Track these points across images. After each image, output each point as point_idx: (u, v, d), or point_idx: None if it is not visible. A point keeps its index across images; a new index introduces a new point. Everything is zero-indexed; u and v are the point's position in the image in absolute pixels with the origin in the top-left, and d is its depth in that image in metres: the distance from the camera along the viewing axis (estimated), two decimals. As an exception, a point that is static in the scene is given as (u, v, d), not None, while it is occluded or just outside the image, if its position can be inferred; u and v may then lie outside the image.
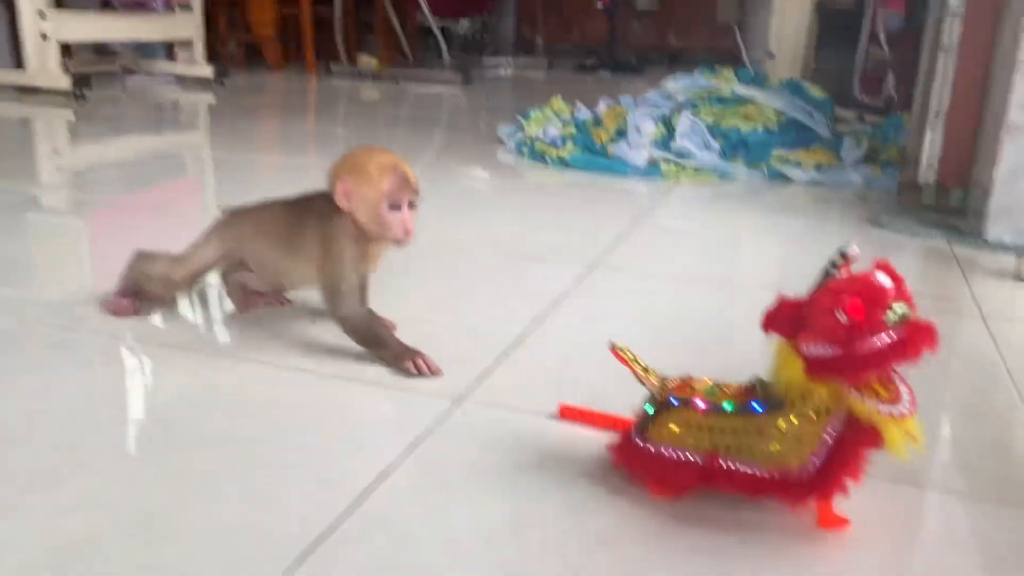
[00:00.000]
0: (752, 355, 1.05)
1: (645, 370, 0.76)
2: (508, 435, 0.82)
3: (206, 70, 3.54)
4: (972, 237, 1.58)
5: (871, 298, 0.63)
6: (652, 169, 2.08)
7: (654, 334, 1.10)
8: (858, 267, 0.67)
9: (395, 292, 1.21)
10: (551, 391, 0.92)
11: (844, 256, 0.67)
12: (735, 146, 2.13)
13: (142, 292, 1.07)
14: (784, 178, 2.08)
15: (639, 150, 2.11)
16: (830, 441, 0.66)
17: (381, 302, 1.07)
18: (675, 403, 0.72)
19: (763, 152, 2.11)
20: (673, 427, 0.71)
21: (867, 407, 0.64)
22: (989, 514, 0.73)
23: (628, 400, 0.91)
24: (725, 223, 1.72)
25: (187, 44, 3.61)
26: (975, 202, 1.67)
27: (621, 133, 2.22)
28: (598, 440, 0.82)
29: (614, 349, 0.77)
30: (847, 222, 1.74)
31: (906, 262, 1.49)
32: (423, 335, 1.05)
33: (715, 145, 2.12)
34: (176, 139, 2.52)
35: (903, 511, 0.73)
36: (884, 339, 0.63)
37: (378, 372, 0.95)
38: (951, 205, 1.77)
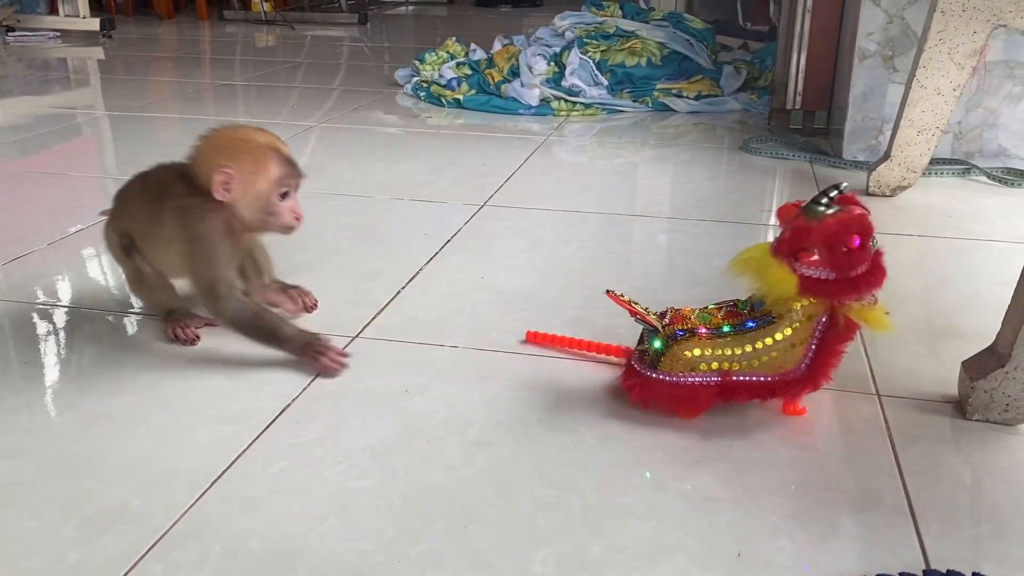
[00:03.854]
0: (634, 278, 1.16)
1: (645, 310, 0.83)
2: (397, 364, 0.92)
3: (91, 23, 3.43)
4: (832, 157, 1.72)
5: (866, 234, 0.75)
6: (544, 107, 2.16)
7: (539, 264, 1.20)
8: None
9: (293, 238, 1.27)
10: (437, 323, 1.01)
11: (839, 191, 0.77)
12: (621, 81, 2.22)
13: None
14: (668, 109, 2.19)
15: (531, 89, 2.18)
16: (815, 342, 0.78)
17: (278, 251, 1.13)
18: (681, 334, 0.80)
19: (647, 85, 2.21)
20: (687, 355, 0.78)
21: (852, 307, 0.77)
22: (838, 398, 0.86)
23: (507, 327, 1.01)
24: (612, 156, 1.82)
25: (69, -4, 3.48)
26: (835, 124, 1.81)
27: (514, 72, 2.29)
28: (475, 361, 0.92)
29: (611, 294, 0.83)
30: (724, 148, 1.86)
31: (771, 184, 1.62)
32: (321, 279, 1.13)
33: (603, 81, 2.21)
34: (66, 98, 2.47)
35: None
36: (865, 268, 0.76)
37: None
38: (816, 127, 1.91)
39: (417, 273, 1.16)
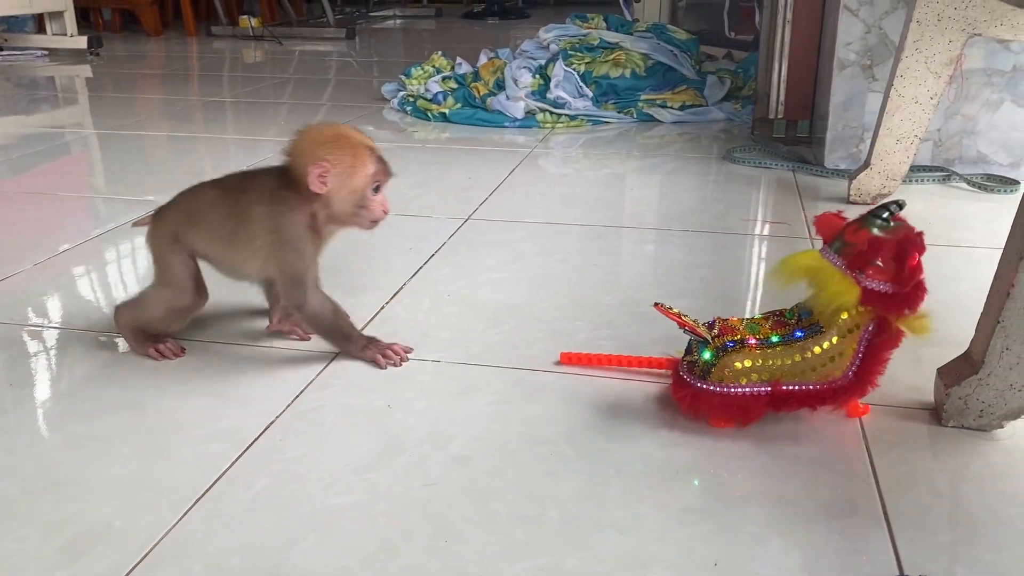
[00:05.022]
0: (616, 289, 1.17)
1: (695, 322, 0.84)
2: (380, 380, 0.92)
3: (79, 41, 3.44)
4: (815, 166, 1.74)
5: (922, 251, 0.79)
6: (529, 120, 2.17)
7: (523, 277, 1.21)
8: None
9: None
10: (421, 338, 1.02)
11: (899, 207, 0.80)
12: (606, 92, 2.24)
13: (158, 332, 0.99)
14: (653, 120, 2.20)
15: (517, 102, 2.20)
16: (862, 350, 0.81)
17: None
18: (731, 345, 0.81)
19: (632, 96, 2.23)
20: (737, 366, 0.80)
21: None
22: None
23: (490, 341, 1.02)
24: (597, 168, 1.84)
25: (57, 14, 3.49)
26: (817, 133, 1.83)
27: (500, 86, 2.30)
28: (458, 375, 0.93)
29: (659, 307, 0.85)
30: (708, 158, 1.87)
31: (755, 194, 1.64)
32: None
33: (588, 92, 2.23)
34: (54, 117, 2.48)
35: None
36: (917, 283, 0.79)
37: (262, 335, 1.03)
38: (799, 136, 1.93)
39: (401, 288, 1.17)
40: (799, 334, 0.81)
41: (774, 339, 0.81)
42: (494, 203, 1.56)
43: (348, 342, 0.96)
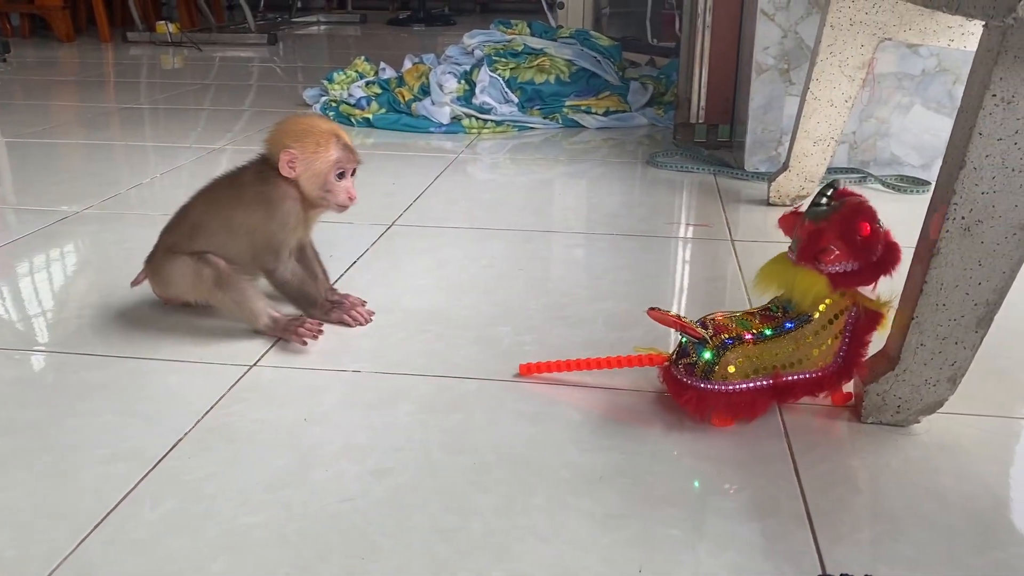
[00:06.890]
0: (541, 294, 1.16)
1: (692, 323, 0.83)
2: (297, 392, 0.89)
3: (-16, 46, 3.29)
4: (735, 169, 1.76)
5: (872, 218, 0.79)
6: (455, 125, 2.15)
7: (445, 284, 1.19)
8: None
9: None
10: (340, 347, 0.99)
11: (834, 189, 0.81)
12: (531, 98, 2.24)
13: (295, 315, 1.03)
14: (578, 125, 2.21)
15: (442, 107, 2.18)
16: (848, 335, 0.82)
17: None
18: (730, 343, 0.81)
19: (557, 102, 2.23)
20: (739, 362, 0.81)
21: (876, 299, 0.82)
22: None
23: (411, 349, 0.99)
24: (523, 173, 1.82)
25: (-41, 19, 3.33)
26: (738, 136, 1.85)
27: (425, 91, 2.28)
28: (378, 386, 0.90)
29: (655, 313, 0.83)
30: (632, 163, 1.88)
31: (677, 197, 1.65)
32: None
33: (513, 98, 2.22)
34: (-45, 125, 2.36)
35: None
36: (881, 249, 0.80)
37: (172, 349, 0.98)
38: (719, 140, 1.96)
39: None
40: (789, 325, 0.82)
41: (768, 332, 0.82)
42: (418, 209, 1.54)
43: (312, 307, 1.03)
